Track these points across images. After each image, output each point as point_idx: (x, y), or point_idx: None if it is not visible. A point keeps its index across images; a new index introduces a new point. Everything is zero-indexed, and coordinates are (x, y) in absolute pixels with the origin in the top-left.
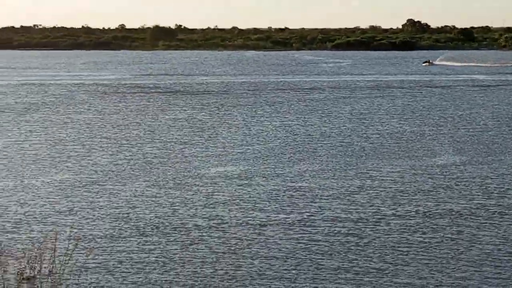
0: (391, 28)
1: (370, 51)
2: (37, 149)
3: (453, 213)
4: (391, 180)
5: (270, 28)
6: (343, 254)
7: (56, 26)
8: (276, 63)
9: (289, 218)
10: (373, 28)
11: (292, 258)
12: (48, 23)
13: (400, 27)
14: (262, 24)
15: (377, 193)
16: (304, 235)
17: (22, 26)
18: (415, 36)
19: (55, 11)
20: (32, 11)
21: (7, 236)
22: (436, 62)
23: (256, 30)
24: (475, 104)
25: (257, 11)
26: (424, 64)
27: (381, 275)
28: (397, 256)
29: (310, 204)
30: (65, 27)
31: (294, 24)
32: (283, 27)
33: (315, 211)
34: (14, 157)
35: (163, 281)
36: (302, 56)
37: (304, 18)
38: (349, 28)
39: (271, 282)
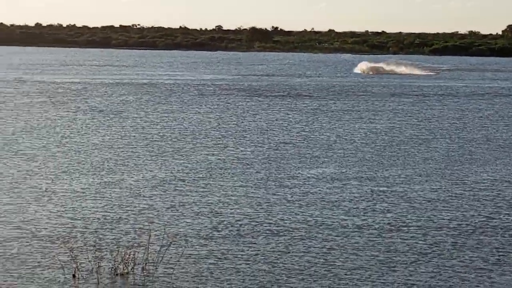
0: (491, 34)
1: (468, 56)
2: (133, 146)
3: None
4: (485, 187)
5: (367, 32)
6: (436, 261)
7: (154, 26)
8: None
9: (381, 223)
10: (472, 33)
11: (384, 265)
12: (146, 23)
13: (500, 33)
14: (359, 27)
15: (470, 200)
16: (395, 241)
17: (121, 26)
18: None
19: (154, 11)
20: (130, 11)
21: (101, 232)
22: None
23: (352, 34)
24: None
25: (355, 14)
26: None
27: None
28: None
29: (403, 209)
30: (163, 27)
31: (392, 28)
32: (380, 30)
33: (407, 216)
34: (110, 154)
35: (255, 282)
36: (399, 60)
37: (402, 22)
38: (448, 33)
39: (358, 287)
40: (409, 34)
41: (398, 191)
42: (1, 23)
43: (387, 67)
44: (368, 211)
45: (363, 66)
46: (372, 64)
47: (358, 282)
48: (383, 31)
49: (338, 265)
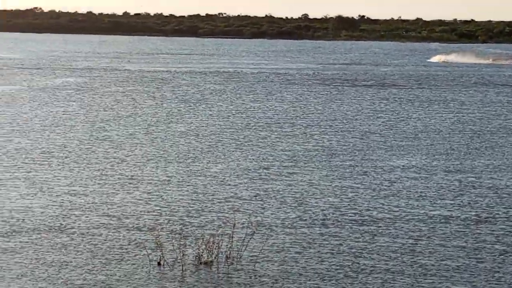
0: None
1: None
2: (219, 135)
3: None
4: None
5: (455, 20)
6: None
7: (240, 15)
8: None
9: (468, 214)
10: None
11: (471, 256)
12: (232, 12)
13: None
14: (447, 15)
15: None
16: (482, 232)
17: (207, 14)
18: None
19: (239, 0)
20: (216, 0)
21: (187, 220)
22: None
23: (441, 22)
24: None
25: (442, 2)
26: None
27: None
28: None
29: (490, 200)
30: (249, 16)
31: (481, 16)
32: (469, 19)
33: (495, 207)
34: (196, 142)
35: (339, 271)
36: (486, 49)
37: (492, 9)
38: None
39: (446, 279)
40: (499, 23)
41: (486, 182)
42: (90, 12)
43: (464, 59)
44: (455, 202)
45: (441, 58)
46: (446, 57)
47: (445, 273)
48: (472, 19)
49: (425, 256)
